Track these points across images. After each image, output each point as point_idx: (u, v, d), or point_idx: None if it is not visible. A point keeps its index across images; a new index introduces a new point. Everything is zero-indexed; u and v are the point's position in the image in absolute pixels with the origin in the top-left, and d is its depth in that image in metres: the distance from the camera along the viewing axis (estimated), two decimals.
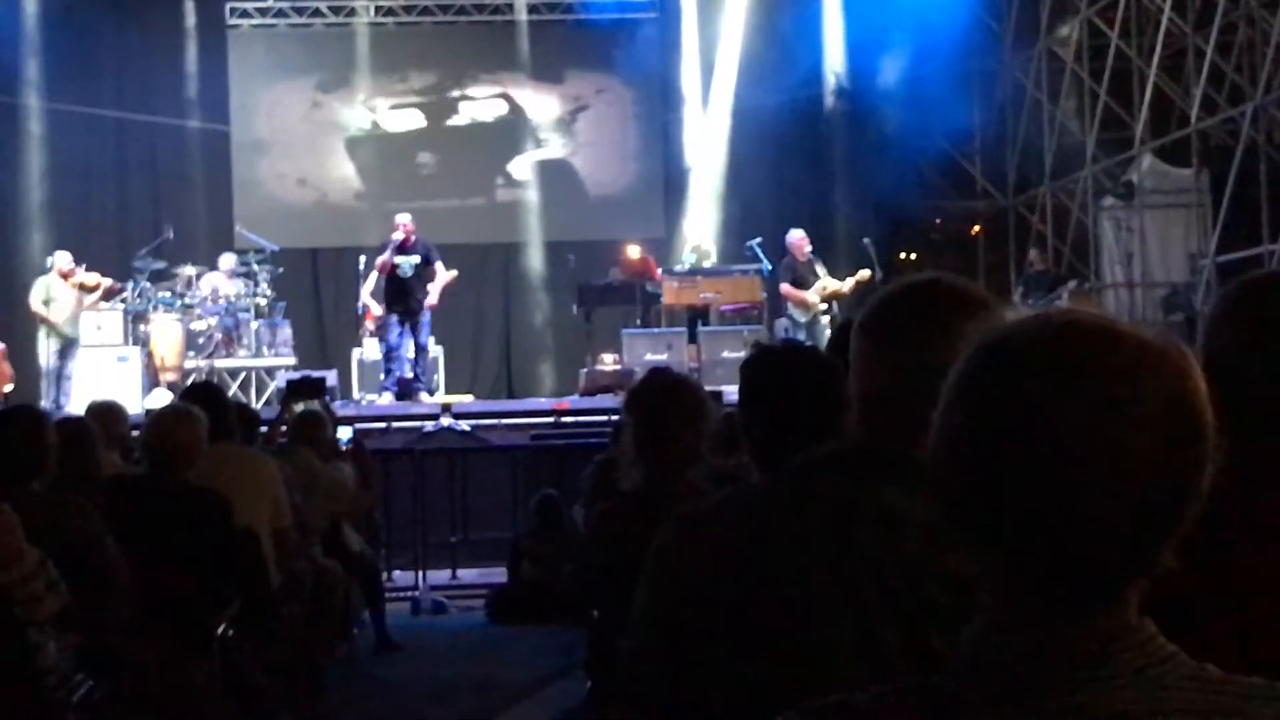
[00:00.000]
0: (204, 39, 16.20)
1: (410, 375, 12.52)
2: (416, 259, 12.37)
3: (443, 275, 12.55)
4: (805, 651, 1.59)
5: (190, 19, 16.11)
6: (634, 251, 13.85)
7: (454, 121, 17.11)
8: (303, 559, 6.12)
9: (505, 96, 17.06)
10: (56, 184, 15.06)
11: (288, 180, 16.67)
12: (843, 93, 16.03)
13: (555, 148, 17.12)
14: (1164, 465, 0.98)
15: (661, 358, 11.88)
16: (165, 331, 12.87)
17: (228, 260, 13.88)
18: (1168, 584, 1.01)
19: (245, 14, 16.56)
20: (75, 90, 15.50)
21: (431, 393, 12.82)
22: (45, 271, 13.00)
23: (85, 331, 12.63)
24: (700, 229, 15.46)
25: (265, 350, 13.64)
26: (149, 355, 12.76)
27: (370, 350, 13.49)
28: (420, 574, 9.73)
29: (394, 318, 12.55)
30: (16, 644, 3.91)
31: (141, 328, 12.99)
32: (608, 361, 13.17)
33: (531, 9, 16.67)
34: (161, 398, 11.45)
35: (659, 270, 13.68)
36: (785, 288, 12.57)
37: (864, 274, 12.33)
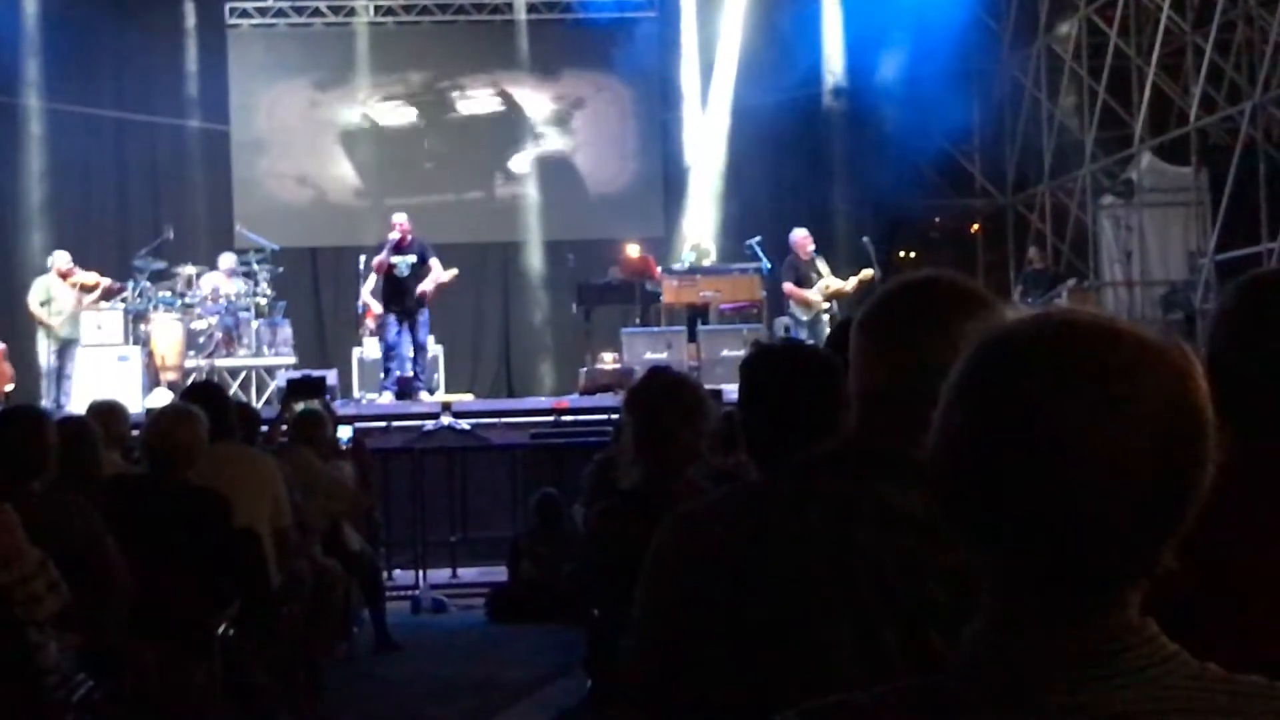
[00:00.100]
0: (204, 39, 16.21)
1: (410, 374, 12.54)
2: (413, 258, 12.39)
3: (439, 271, 12.55)
4: (805, 651, 1.58)
5: (190, 19, 16.12)
6: (633, 250, 13.85)
7: (454, 120, 17.11)
8: (303, 558, 6.12)
9: (505, 95, 17.06)
10: (56, 184, 15.05)
11: (287, 180, 16.68)
12: (842, 91, 16.02)
13: (555, 147, 17.12)
14: (1164, 465, 0.98)
15: (661, 356, 11.89)
16: (165, 331, 12.87)
17: (227, 260, 13.88)
18: (1168, 584, 1.01)
19: (245, 14, 16.56)
20: (75, 90, 15.50)
21: (431, 392, 12.84)
22: (45, 272, 13.02)
23: (86, 331, 12.63)
24: (699, 228, 15.47)
25: (265, 350, 13.64)
26: (149, 355, 12.76)
27: (370, 349, 13.50)
28: (420, 573, 9.73)
29: (391, 317, 12.57)
30: (17, 644, 3.91)
31: (142, 327, 12.99)
32: (607, 360, 13.17)
33: (531, 8, 16.67)
34: (162, 397, 11.45)
35: (658, 269, 13.68)
36: (788, 286, 12.57)
37: (867, 273, 12.33)
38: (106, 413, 6.10)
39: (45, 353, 12.81)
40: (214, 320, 13.34)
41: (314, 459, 6.81)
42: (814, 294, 12.46)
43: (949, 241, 17.78)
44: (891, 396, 1.66)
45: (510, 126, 17.05)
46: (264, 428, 7.26)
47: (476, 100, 17.10)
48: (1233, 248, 12.61)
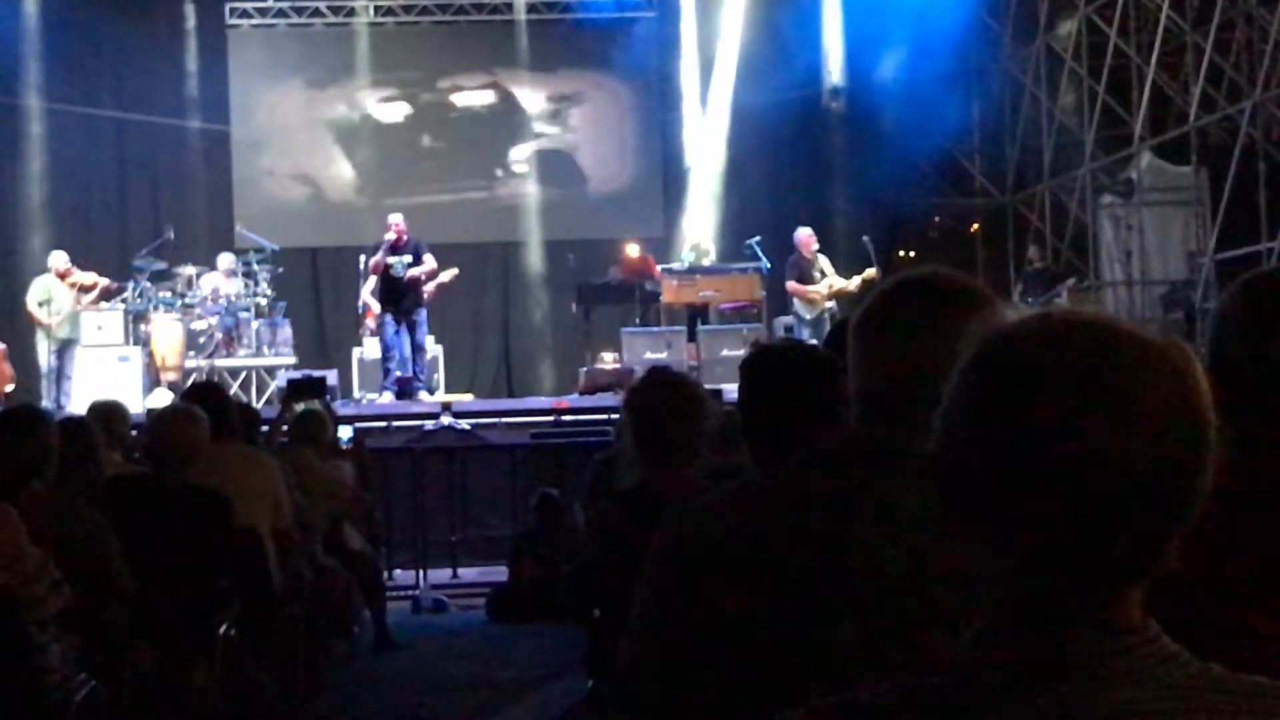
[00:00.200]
0: (204, 39, 16.21)
1: (409, 374, 12.54)
2: (409, 258, 12.40)
3: (431, 264, 12.53)
4: (805, 650, 1.58)
5: (190, 19, 16.13)
6: (633, 250, 13.86)
7: (454, 120, 17.11)
8: (303, 558, 6.13)
9: (505, 95, 17.06)
10: (56, 184, 15.06)
11: (287, 180, 16.68)
12: (841, 91, 16.02)
13: (555, 147, 17.12)
14: (1164, 464, 0.98)
15: (661, 356, 11.90)
16: (166, 331, 12.88)
17: (225, 260, 13.89)
18: (1168, 584, 1.01)
19: (245, 14, 16.56)
20: (75, 90, 15.51)
21: (431, 392, 12.84)
22: (44, 272, 13.02)
23: (86, 331, 12.63)
24: (699, 227, 15.47)
25: (265, 350, 13.65)
26: (150, 355, 12.76)
27: (370, 349, 13.50)
28: (420, 572, 9.73)
29: (389, 317, 12.57)
30: (18, 644, 3.91)
31: (142, 327, 13.00)
32: (607, 360, 13.17)
33: (530, 8, 16.67)
34: (162, 397, 11.46)
35: (658, 269, 13.68)
36: (792, 284, 12.58)
37: (870, 272, 12.33)
38: (107, 413, 6.10)
39: (45, 353, 12.82)
40: (214, 320, 13.34)
41: (314, 459, 6.81)
42: (818, 290, 12.46)
43: (949, 241, 17.78)
44: (890, 394, 1.66)
45: (510, 126, 17.06)
46: (264, 428, 7.27)
47: (476, 100, 17.10)
48: (1233, 247, 12.61)
